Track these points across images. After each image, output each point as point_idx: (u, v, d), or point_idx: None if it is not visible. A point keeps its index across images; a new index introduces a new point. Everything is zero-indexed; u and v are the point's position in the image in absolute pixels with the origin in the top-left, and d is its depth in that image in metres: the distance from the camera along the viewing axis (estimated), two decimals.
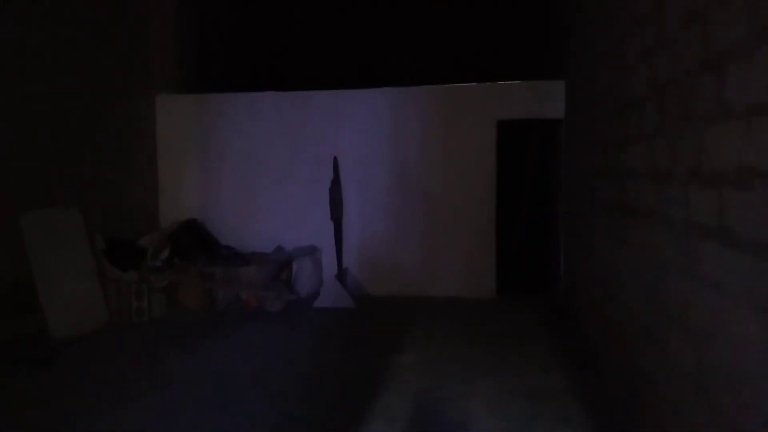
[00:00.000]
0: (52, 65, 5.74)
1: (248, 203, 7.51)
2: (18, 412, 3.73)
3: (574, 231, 5.77)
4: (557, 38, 7.37)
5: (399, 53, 10.06)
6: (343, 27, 10.59)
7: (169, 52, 7.87)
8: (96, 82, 6.42)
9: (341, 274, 6.90)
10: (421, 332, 5.54)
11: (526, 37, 9.21)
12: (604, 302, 4.19)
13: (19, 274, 5.12)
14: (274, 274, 6.55)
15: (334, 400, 3.93)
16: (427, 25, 10.12)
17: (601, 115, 4.50)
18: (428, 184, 7.08)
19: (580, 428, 3.44)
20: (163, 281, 6.20)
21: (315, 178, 7.23)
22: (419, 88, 7.14)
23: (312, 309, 6.48)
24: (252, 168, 7.49)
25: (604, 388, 3.99)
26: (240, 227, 7.48)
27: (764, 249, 1.71)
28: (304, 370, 4.54)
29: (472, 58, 9.54)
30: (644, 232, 3.13)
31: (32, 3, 5.48)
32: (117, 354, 4.97)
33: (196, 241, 6.76)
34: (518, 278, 7.58)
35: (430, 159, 7.07)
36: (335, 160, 7.04)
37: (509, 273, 7.46)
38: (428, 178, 7.08)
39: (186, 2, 8.25)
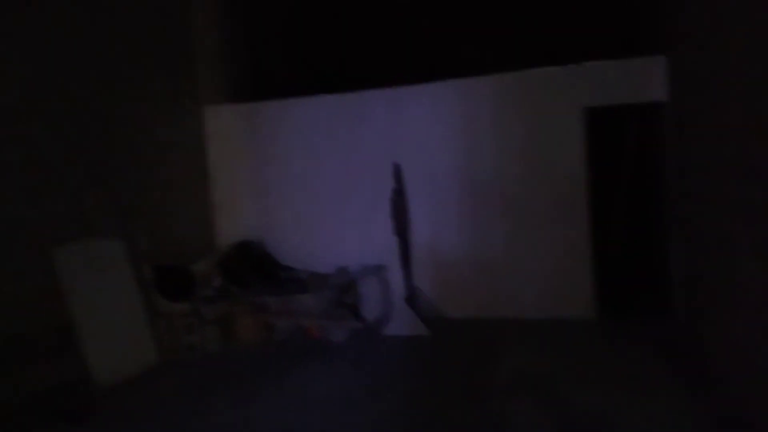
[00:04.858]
0: (86, 82, 5.26)
1: (308, 218, 6.84)
2: None
3: (698, 241, 4.67)
4: (653, 4, 6.22)
5: (465, 39, 9.08)
6: (400, 16, 9.76)
7: (216, 59, 7.32)
8: (136, 99, 5.91)
9: (411, 296, 6.10)
10: (510, 367, 4.64)
11: (613, 8, 8.01)
12: (761, 342, 3.15)
13: (57, 314, 4.64)
14: (335, 299, 5.83)
15: None
16: (494, 2, 9.10)
17: (735, 92, 3.44)
18: (507, 187, 6.13)
19: None
20: (215, 312, 5.62)
21: (378, 188, 6.45)
22: (489, 77, 6.20)
23: (381, 337, 5.72)
24: (309, 179, 6.83)
25: None
26: (301, 245, 6.84)
27: None
28: (373, 421, 3.77)
29: (550, 37, 8.43)
30: None
31: (63, 18, 5.00)
32: (163, 402, 4.37)
33: (250, 265, 6.16)
34: (621, 293, 6.42)
35: (508, 158, 6.12)
36: (396, 166, 6.23)
37: (609, 287, 6.35)
38: (506, 180, 6.13)
39: (230, 8, 7.68)
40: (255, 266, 6.21)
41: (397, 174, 6.25)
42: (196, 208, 6.82)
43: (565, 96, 5.94)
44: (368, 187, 6.54)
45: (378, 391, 4.34)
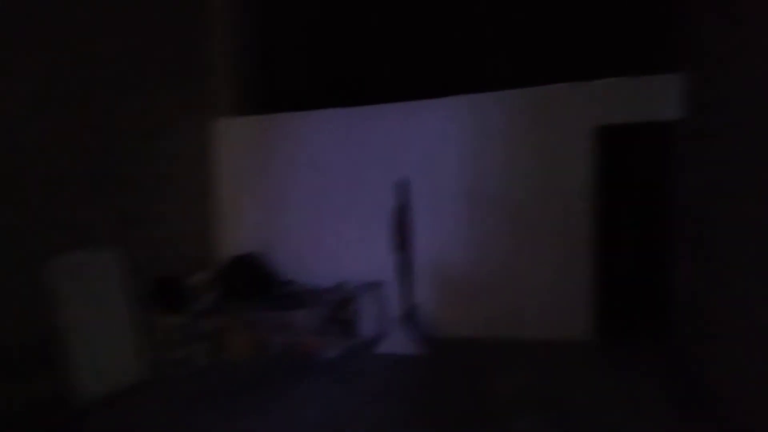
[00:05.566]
0: (94, 89, 5.24)
1: (310, 232, 6.74)
2: None
3: (705, 264, 4.44)
4: (672, 22, 6.02)
5: (480, 54, 8.96)
6: (412, 30, 9.70)
7: (229, 72, 7.30)
8: (145, 108, 5.89)
9: (409, 314, 5.92)
10: (504, 391, 4.44)
11: (629, 24, 7.81)
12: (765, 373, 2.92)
13: (46, 327, 4.57)
14: (331, 315, 5.69)
15: None
16: (510, 17, 8.97)
17: (761, 112, 3.25)
18: (513, 205, 5.96)
19: None
20: (208, 326, 5.52)
21: (383, 203, 6.32)
22: (500, 93, 6.07)
23: (375, 355, 5.56)
24: (314, 193, 6.74)
25: None
26: (303, 260, 6.73)
27: None
28: None
29: (565, 54, 8.25)
30: None
31: (70, 22, 4.99)
32: (147, 418, 4.26)
33: (247, 279, 6.06)
34: (621, 316, 6.20)
35: (516, 175, 5.96)
36: (402, 182, 6.10)
37: (610, 309, 6.11)
38: (512, 198, 5.97)
39: (245, 21, 7.69)
40: (252, 280, 6.12)
41: (402, 189, 6.11)
42: (198, 221, 6.77)
43: (576, 113, 5.78)
44: (373, 202, 6.43)
45: (369, 411, 4.18)
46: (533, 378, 4.73)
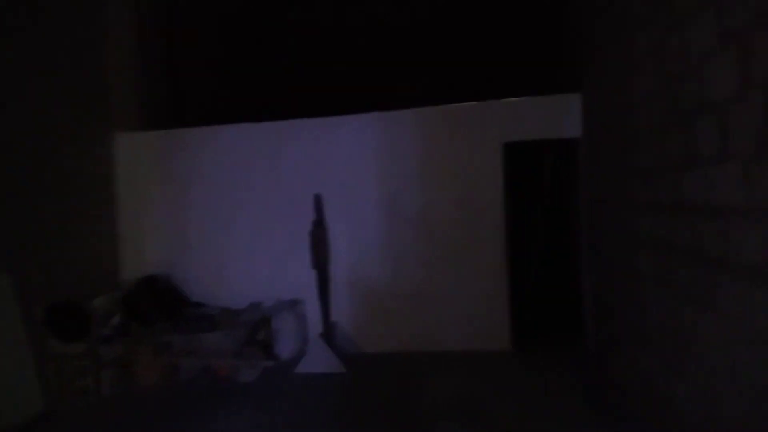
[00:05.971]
0: None
1: (223, 252, 6.49)
2: None
3: (609, 274, 4.73)
4: (571, 45, 6.46)
5: (392, 74, 9.15)
6: (328, 49, 9.75)
7: (131, 84, 6.94)
8: (38, 123, 5.46)
9: (328, 332, 5.85)
10: (426, 403, 4.47)
11: (534, 48, 8.31)
12: (669, 378, 3.14)
13: None
14: (246, 337, 5.50)
15: None
16: (423, 40, 9.26)
17: (641, 131, 3.52)
18: (428, 220, 6.08)
19: None
20: (113, 352, 5.16)
21: (298, 220, 6.23)
22: (411, 110, 6.19)
23: (294, 376, 5.43)
24: (224, 211, 6.51)
25: None
26: (214, 280, 6.46)
27: None
28: None
29: (473, 74, 8.63)
30: (744, 295, 2.12)
31: None
32: None
33: (155, 302, 5.73)
34: (536, 326, 6.48)
35: (429, 191, 6.08)
36: (317, 198, 6.06)
37: (525, 320, 6.38)
38: (427, 213, 6.08)
39: (148, 32, 7.37)
40: (160, 302, 5.79)
41: (318, 205, 6.06)
42: (100, 241, 6.32)
43: (486, 131, 5.99)
44: (286, 218, 6.31)
45: None
46: (456, 389, 4.81)
